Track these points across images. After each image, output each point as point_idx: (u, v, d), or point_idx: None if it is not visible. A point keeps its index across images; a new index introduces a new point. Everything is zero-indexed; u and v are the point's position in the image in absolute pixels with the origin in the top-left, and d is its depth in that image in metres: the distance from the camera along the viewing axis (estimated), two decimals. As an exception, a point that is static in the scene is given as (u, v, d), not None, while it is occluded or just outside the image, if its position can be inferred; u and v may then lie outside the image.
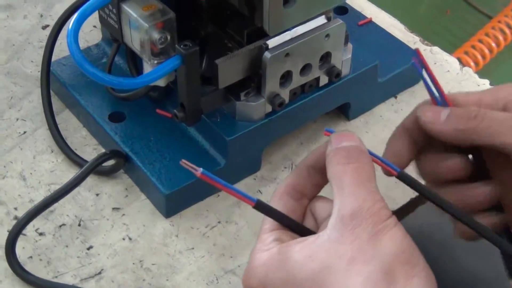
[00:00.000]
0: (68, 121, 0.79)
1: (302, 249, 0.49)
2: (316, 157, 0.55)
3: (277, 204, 0.54)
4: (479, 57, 2.06)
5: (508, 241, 0.58)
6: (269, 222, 0.53)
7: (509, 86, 0.58)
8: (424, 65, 0.57)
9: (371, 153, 0.53)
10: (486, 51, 2.08)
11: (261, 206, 0.52)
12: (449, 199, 0.56)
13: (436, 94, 0.57)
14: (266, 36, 0.68)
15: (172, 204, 0.70)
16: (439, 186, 0.59)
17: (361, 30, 0.84)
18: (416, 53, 0.57)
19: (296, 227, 0.54)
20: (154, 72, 0.65)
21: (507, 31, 2.14)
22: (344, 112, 0.79)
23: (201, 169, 0.50)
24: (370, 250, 0.48)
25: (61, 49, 0.83)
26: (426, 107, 0.58)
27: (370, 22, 0.85)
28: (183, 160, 0.50)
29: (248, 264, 0.52)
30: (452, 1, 2.41)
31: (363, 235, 0.48)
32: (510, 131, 0.55)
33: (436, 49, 0.87)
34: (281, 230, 0.53)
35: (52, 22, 0.89)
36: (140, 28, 0.67)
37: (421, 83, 0.78)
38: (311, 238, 0.50)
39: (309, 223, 0.55)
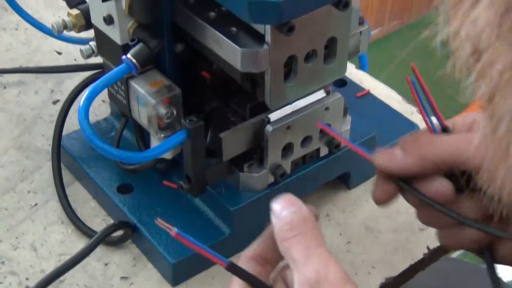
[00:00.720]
0: (77, 193, 0.82)
1: None
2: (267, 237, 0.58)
3: (244, 267, 0.56)
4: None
5: (489, 258, 0.62)
6: (237, 284, 0.55)
7: None
8: (421, 85, 0.59)
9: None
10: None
11: (233, 268, 0.55)
12: None
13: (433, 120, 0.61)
14: (267, 110, 0.71)
15: (179, 272, 0.72)
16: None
17: (359, 101, 0.87)
18: (413, 71, 0.59)
19: None
20: (161, 146, 0.68)
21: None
22: (345, 181, 0.82)
23: (175, 229, 0.52)
24: None
25: (71, 123, 0.86)
26: (378, 152, 0.61)
27: (368, 93, 0.88)
28: (159, 219, 0.53)
29: None
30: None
31: None
32: (469, 148, 0.58)
33: (432, 119, 0.90)
34: None
35: (62, 97, 0.93)
36: (147, 104, 0.70)
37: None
38: None
39: None
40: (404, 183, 0.61)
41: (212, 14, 0.68)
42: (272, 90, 0.67)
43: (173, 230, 0.52)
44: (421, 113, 0.61)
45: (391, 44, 2.48)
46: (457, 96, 0.37)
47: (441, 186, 0.60)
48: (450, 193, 0.60)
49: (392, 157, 0.60)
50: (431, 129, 0.61)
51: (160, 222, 0.52)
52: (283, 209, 0.54)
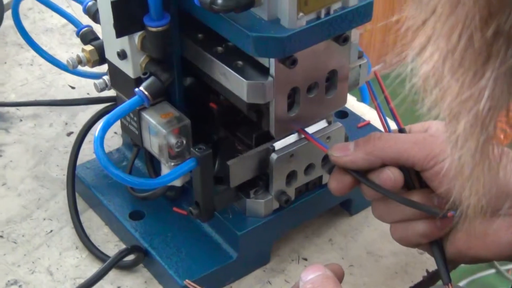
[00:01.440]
0: (91, 220, 0.85)
1: None
2: None
3: None
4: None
5: (438, 251, 0.69)
6: None
7: None
8: (382, 89, 0.65)
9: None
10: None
11: None
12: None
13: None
14: (272, 139, 0.75)
15: (189, 295, 0.75)
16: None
17: (360, 132, 0.90)
18: (375, 75, 0.66)
19: None
20: (172, 173, 0.72)
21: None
22: (347, 207, 0.85)
23: None
24: None
25: (84, 153, 0.90)
26: (334, 146, 0.71)
27: (369, 124, 0.92)
28: (187, 280, 0.58)
29: None
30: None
31: None
32: (413, 146, 0.67)
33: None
34: None
35: (76, 129, 0.97)
36: (158, 134, 0.74)
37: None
38: None
39: None
40: (357, 174, 0.69)
41: (220, 49, 0.72)
42: (276, 120, 0.71)
43: None
44: (377, 113, 0.71)
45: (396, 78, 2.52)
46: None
47: (390, 174, 0.68)
48: (398, 181, 0.68)
49: (345, 150, 0.70)
50: (386, 128, 0.71)
51: (188, 282, 0.59)
52: (309, 274, 0.62)
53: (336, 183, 0.71)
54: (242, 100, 0.70)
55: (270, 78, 0.69)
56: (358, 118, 0.93)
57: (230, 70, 0.70)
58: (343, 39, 0.70)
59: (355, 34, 0.73)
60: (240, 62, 0.70)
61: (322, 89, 0.73)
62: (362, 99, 1.04)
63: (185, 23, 0.73)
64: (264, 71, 0.69)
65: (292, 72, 0.69)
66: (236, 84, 0.70)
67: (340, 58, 0.72)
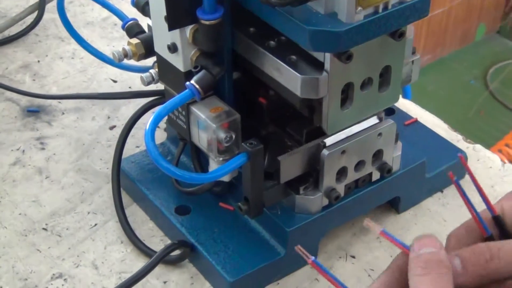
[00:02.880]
0: (135, 214, 0.85)
1: None
2: (403, 260, 0.56)
3: None
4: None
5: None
6: None
7: None
8: (468, 173, 0.59)
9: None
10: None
11: None
12: None
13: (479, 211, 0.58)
14: (323, 134, 0.74)
15: (236, 291, 0.75)
16: None
17: (408, 129, 0.90)
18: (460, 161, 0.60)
19: None
20: (223, 168, 0.71)
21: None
22: (394, 205, 0.84)
23: (312, 257, 0.55)
24: None
25: (127, 147, 0.89)
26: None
27: (416, 121, 0.91)
28: (299, 246, 0.56)
29: None
30: (486, 102, 2.49)
31: None
32: None
33: (478, 146, 0.92)
34: None
35: (118, 123, 0.96)
36: (208, 128, 0.74)
37: (466, 178, 0.83)
38: None
39: None
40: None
41: (272, 43, 0.72)
42: (329, 115, 0.70)
43: (310, 258, 0.56)
44: (469, 211, 0.59)
45: (423, 77, 2.51)
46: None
47: None
48: None
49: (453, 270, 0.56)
50: (482, 229, 0.59)
51: (299, 248, 0.56)
52: (423, 246, 0.55)
53: None
54: (295, 95, 0.69)
55: (324, 73, 0.68)
56: (404, 115, 0.92)
57: (284, 64, 0.69)
58: (399, 35, 0.69)
59: (410, 29, 0.72)
60: (293, 57, 0.69)
61: (375, 85, 0.72)
62: (404, 95, 1.03)
63: (238, 17, 0.72)
64: (319, 65, 0.68)
65: (347, 67, 0.68)
66: (290, 78, 0.69)
67: (395, 54, 0.71)
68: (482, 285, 0.56)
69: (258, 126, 0.78)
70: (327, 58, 0.67)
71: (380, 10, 0.65)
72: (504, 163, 0.90)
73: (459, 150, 0.87)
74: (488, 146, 2.23)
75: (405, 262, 0.56)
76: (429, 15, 2.62)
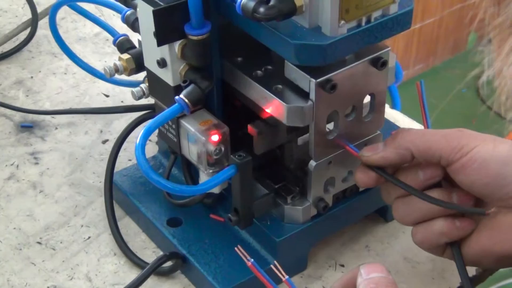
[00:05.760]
0: (128, 227, 0.86)
1: None
2: (345, 283, 0.62)
3: None
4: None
5: (457, 251, 0.71)
6: None
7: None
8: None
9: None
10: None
11: None
12: None
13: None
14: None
15: (228, 301, 0.76)
16: None
17: (395, 139, 0.91)
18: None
19: None
20: (212, 180, 0.72)
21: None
22: (382, 214, 0.86)
23: (252, 260, 0.56)
24: None
25: (120, 161, 0.90)
26: (364, 148, 0.73)
27: (403, 131, 0.92)
28: (239, 246, 0.57)
29: None
30: (478, 110, 2.50)
31: None
32: (441, 139, 0.68)
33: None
34: None
35: (111, 137, 0.98)
36: (197, 141, 0.75)
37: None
38: None
39: None
40: (382, 171, 0.72)
41: (259, 72, 0.74)
42: (315, 143, 0.72)
43: (250, 261, 0.57)
44: (422, 112, 0.76)
45: (415, 86, 2.52)
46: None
47: (416, 176, 0.70)
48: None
49: (375, 149, 0.72)
50: (426, 126, 0.75)
51: (239, 249, 0.57)
52: (372, 272, 0.60)
53: (364, 177, 0.73)
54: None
55: (309, 102, 0.70)
56: (392, 125, 0.93)
57: (269, 93, 0.71)
58: (381, 64, 0.71)
59: (392, 58, 0.74)
60: (280, 86, 0.71)
61: (360, 113, 0.74)
62: (393, 105, 1.04)
63: (226, 45, 0.74)
64: (304, 95, 0.70)
65: (332, 96, 0.70)
66: (276, 107, 0.71)
67: (378, 82, 0.73)
68: (403, 159, 0.71)
69: (248, 138, 0.80)
70: (312, 88, 0.69)
71: (363, 23, 0.67)
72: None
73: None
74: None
75: (345, 285, 0.62)
76: (421, 25, 2.62)
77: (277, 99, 0.70)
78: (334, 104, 0.71)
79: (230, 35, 0.74)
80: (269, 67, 0.73)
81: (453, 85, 2.63)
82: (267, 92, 0.71)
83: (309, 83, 0.69)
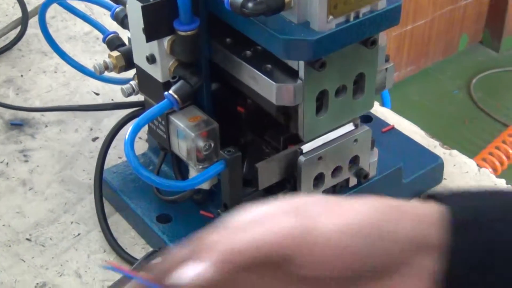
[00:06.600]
0: (118, 224, 0.86)
1: None
2: None
3: None
4: (497, 163, 2.13)
5: None
6: None
7: None
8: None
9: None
10: (504, 157, 2.15)
11: None
12: None
13: None
14: (300, 141, 0.75)
15: (217, 296, 0.76)
16: None
17: (385, 136, 0.91)
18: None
19: None
20: (202, 175, 0.72)
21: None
22: (372, 211, 0.85)
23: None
24: None
25: (110, 158, 0.90)
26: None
27: (393, 128, 0.92)
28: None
29: None
30: (470, 111, 2.51)
31: None
32: None
33: (455, 152, 0.94)
34: None
35: (101, 134, 0.98)
36: (187, 137, 0.75)
37: (443, 183, 0.85)
38: None
39: None
40: None
41: (248, 52, 0.73)
42: (305, 122, 0.72)
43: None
44: None
45: (407, 88, 2.53)
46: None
47: None
48: None
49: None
50: None
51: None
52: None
53: None
54: (271, 103, 0.71)
55: (299, 81, 0.69)
56: (382, 123, 0.93)
57: (259, 73, 0.71)
58: (371, 42, 0.71)
59: (382, 37, 0.74)
60: (269, 66, 0.71)
61: (350, 92, 0.73)
62: (383, 103, 1.04)
63: (214, 27, 0.74)
64: (293, 74, 0.70)
65: (321, 75, 0.69)
66: (266, 87, 0.70)
67: (368, 62, 0.73)
68: None
69: (237, 134, 0.80)
70: (301, 67, 0.69)
71: (352, 19, 0.67)
72: (480, 168, 0.92)
73: (435, 155, 0.89)
74: (472, 155, 2.25)
75: None
76: (412, 26, 2.62)
77: (267, 78, 0.70)
78: (324, 83, 0.71)
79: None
80: (258, 47, 0.73)
81: (445, 87, 2.64)
82: (256, 71, 0.71)
83: (298, 62, 0.69)
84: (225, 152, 0.72)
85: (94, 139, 0.98)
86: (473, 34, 2.80)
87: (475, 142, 2.36)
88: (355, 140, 0.77)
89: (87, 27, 1.17)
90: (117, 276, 0.77)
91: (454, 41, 2.76)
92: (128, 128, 0.73)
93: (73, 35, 1.17)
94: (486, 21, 2.80)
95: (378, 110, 0.99)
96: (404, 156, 0.87)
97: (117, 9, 0.83)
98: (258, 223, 0.49)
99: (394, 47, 2.54)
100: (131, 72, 0.83)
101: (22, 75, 1.09)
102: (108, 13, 0.85)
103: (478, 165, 0.93)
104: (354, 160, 0.79)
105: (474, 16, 2.75)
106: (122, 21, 0.82)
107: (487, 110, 2.53)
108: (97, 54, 1.13)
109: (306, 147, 0.75)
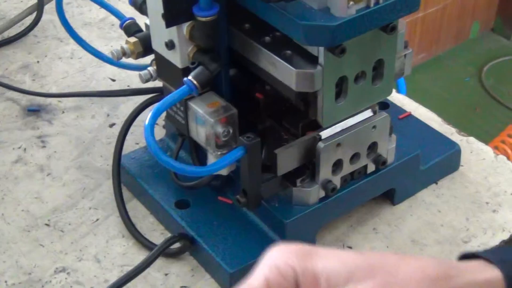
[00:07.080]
0: (136, 209, 0.86)
1: None
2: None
3: None
4: (509, 151, 2.13)
5: None
6: None
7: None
8: None
9: None
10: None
11: None
12: None
13: None
14: (319, 128, 0.75)
15: (236, 282, 0.76)
16: None
17: (402, 123, 0.91)
18: None
19: None
20: (221, 161, 0.73)
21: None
22: (390, 197, 0.86)
23: None
24: None
25: (127, 144, 0.91)
26: None
27: (410, 115, 0.92)
28: None
29: None
30: (481, 99, 2.50)
31: None
32: None
33: (471, 139, 0.94)
34: None
35: (118, 120, 0.98)
36: (206, 123, 0.75)
37: (460, 170, 0.85)
38: None
39: None
40: None
41: (268, 38, 0.73)
42: (324, 108, 0.72)
43: None
44: None
45: (419, 75, 2.53)
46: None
47: None
48: None
49: None
50: None
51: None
52: None
53: None
54: (290, 89, 0.71)
55: (319, 67, 0.69)
56: (399, 109, 0.93)
57: (279, 59, 0.71)
58: (390, 29, 0.70)
59: (401, 23, 0.74)
60: (288, 51, 0.71)
61: (369, 78, 0.73)
62: (398, 90, 1.04)
63: (233, 13, 0.74)
64: (313, 60, 0.70)
65: (341, 61, 0.69)
66: (285, 73, 0.71)
67: (387, 48, 0.73)
68: None
69: (255, 120, 0.80)
70: (321, 52, 0.69)
71: (372, 4, 0.67)
72: (497, 155, 0.92)
73: (453, 142, 0.89)
74: (484, 142, 2.25)
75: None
76: (424, 14, 2.62)
77: (286, 64, 0.70)
78: (343, 69, 0.71)
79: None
80: (277, 33, 0.73)
81: (456, 74, 2.63)
82: (276, 57, 0.71)
83: (317, 48, 0.69)
84: (245, 138, 0.72)
85: (111, 125, 0.98)
86: (484, 21, 2.79)
87: (487, 130, 2.35)
88: (374, 127, 0.77)
89: (102, 13, 1.17)
90: (137, 262, 0.77)
91: (465, 29, 2.75)
92: (146, 115, 0.73)
93: (89, 22, 1.17)
94: (498, 8, 2.79)
95: (394, 96, 0.99)
96: (422, 143, 0.87)
97: (136, -5, 0.83)
98: None
99: (406, 34, 2.54)
100: (147, 59, 0.84)
101: (38, 61, 1.09)
102: (123, -1, 0.85)
103: (494, 152, 0.93)
104: (372, 147, 0.79)
105: (485, 4, 2.74)
106: (141, 6, 0.82)
107: (498, 98, 2.52)
108: (112, 41, 1.13)
109: (324, 133, 0.76)
